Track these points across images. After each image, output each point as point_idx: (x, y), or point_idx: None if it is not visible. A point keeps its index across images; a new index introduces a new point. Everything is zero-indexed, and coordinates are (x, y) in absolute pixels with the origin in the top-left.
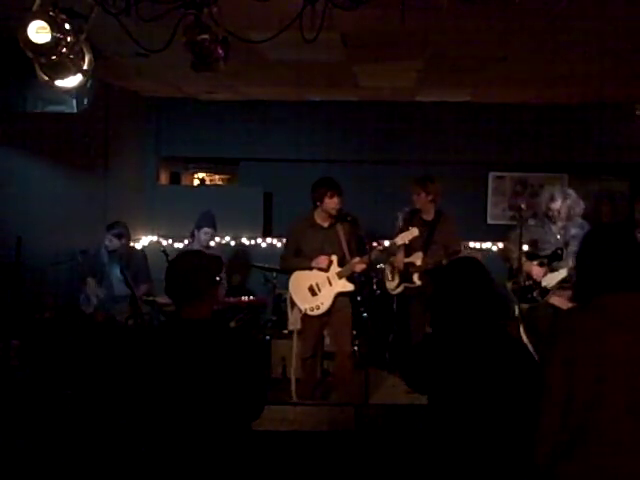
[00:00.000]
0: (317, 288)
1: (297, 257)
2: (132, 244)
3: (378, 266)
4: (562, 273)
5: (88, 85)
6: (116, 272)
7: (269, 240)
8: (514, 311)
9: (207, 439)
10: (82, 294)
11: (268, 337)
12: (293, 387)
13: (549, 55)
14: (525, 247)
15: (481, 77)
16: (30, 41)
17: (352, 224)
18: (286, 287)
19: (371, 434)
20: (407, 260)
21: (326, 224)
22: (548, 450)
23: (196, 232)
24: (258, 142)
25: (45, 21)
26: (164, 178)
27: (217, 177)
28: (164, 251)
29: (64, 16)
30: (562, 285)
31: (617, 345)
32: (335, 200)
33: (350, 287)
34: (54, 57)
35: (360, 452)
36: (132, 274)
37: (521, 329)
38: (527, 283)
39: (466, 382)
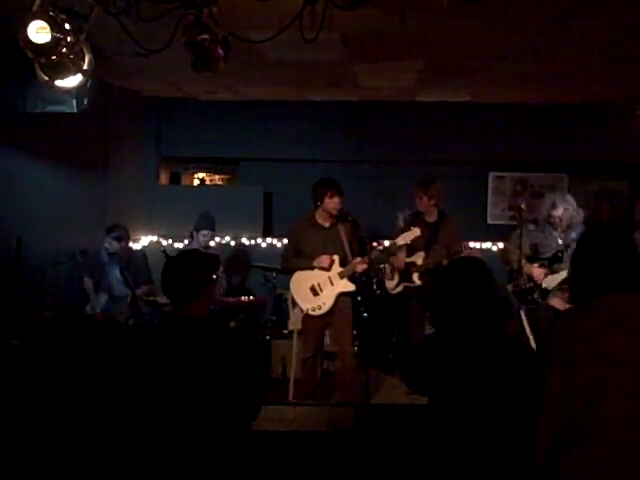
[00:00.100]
0: (319, 288)
1: (298, 257)
2: (132, 245)
3: (379, 266)
4: (562, 275)
5: (88, 85)
6: (116, 273)
7: (269, 240)
8: (517, 313)
9: (206, 437)
10: (88, 304)
11: (268, 337)
12: (291, 387)
13: (549, 55)
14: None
15: (481, 77)
16: (30, 41)
17: (353, 224)
18: (286, 287)
19: (371, 434)
20: (409, 260)
21: (327, 224)
22: (548, 450)
23: (195, 234)
24: (258, 142)
25: (45, 21)
26: (164, 178)
27: (217, 177)
28: (164, 251)
29: (64, 16)
30: (562, 287)
31: (617, 345)
32: (336, 200)
33: (352, 287)
34: (54, 57)
35: (360, 452)
36: (132, 275)
37: (527, 331)
38: (528, 285)
39: (466, 382)
